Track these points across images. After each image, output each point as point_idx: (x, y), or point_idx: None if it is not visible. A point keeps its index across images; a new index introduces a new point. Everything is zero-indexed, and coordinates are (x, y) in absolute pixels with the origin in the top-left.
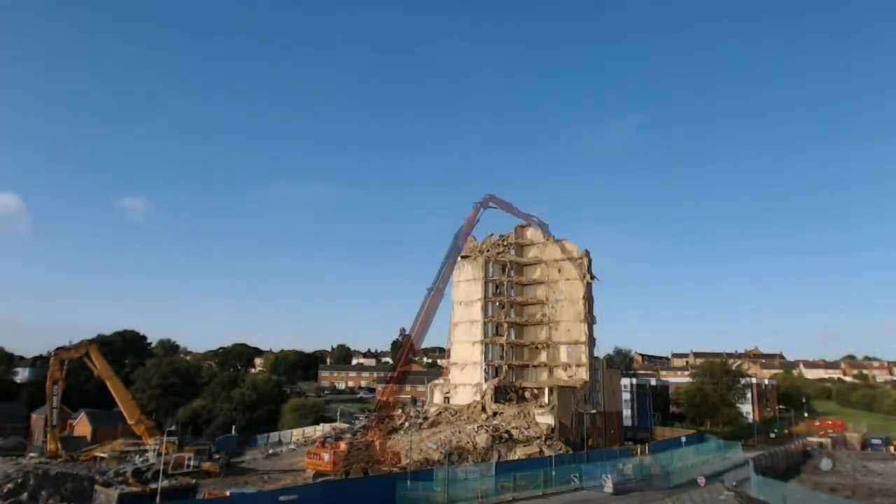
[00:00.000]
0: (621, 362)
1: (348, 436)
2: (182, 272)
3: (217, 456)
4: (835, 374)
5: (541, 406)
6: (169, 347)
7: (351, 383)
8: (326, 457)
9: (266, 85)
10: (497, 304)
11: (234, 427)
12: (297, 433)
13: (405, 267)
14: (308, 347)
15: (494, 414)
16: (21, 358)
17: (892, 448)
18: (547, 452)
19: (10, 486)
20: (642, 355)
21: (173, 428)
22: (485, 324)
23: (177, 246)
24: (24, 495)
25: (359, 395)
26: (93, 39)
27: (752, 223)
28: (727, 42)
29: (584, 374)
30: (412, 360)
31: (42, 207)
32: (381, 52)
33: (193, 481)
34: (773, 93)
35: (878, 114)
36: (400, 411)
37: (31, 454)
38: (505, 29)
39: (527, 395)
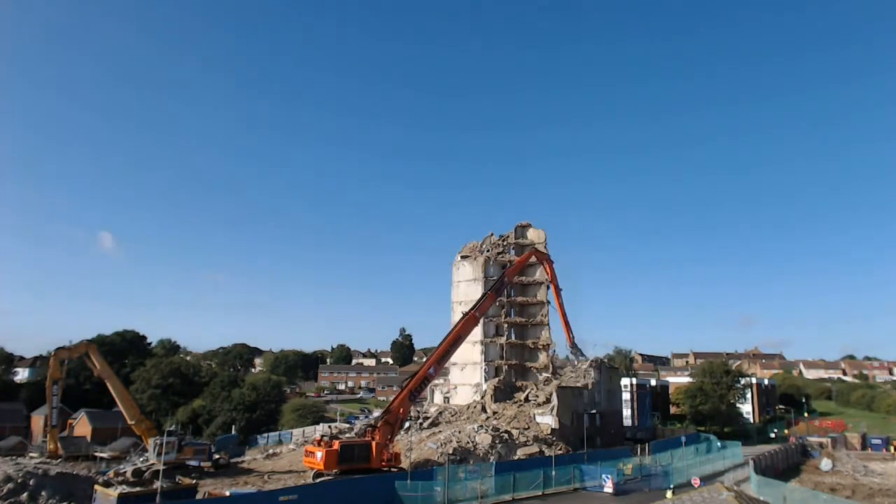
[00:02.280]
0: (621, 362)
1: (348, 435)
2: (182, 272)
3: (217, 456)
4: (835, 374)
5: (540, 406)
6: (169, 347)
7: (351, 383)
8: (319, 455)
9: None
10: (497, 304)
11: (234, 427)
12: (297, 433)
13: (406, 266)
14: (308, 347)
15: (494, 414)
16: (21, 358)
17: (892, 448)
18: (547, 452)
19: (10, 486)
20: (642, 355)
21: (173, 428)
22: (485, 324)
23: (177, 245)
24: (24, 495)
25: (359, 395)
26: None
27: (752, 223)
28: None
29: (583, 374)
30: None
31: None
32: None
33: (193, 481)
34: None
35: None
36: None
37: (32, 454)
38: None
39: (527, 395)
